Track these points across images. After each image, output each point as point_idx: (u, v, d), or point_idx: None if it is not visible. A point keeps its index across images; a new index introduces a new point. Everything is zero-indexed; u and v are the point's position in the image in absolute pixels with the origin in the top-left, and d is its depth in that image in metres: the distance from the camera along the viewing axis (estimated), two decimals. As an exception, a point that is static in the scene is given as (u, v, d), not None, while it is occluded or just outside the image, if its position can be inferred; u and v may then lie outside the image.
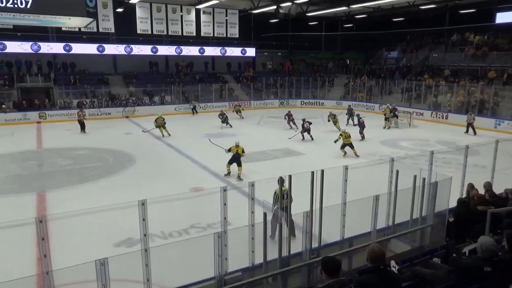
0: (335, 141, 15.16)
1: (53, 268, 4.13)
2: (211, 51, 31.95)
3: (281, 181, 6.81)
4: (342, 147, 14.71)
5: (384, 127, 20.98)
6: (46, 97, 25.35)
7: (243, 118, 24.05)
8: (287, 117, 20.82)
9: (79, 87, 26.65)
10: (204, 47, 31.39)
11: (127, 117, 24.96)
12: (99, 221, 8.54)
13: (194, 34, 29.00)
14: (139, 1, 25.75)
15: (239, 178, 11.82)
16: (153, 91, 28.12)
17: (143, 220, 4.44)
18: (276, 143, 17.05)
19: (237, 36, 30.84)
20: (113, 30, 26.47)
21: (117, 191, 10.88)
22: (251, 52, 33.80)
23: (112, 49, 28.18)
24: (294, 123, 20.30)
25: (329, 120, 20.28)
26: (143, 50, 29.06)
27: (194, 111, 27.11)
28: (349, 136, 14.73)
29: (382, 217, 6.41)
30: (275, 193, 7.44)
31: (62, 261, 4.51)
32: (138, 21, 26.85)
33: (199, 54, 31.27)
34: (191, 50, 30.92)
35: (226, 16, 30.01)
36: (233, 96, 30.72)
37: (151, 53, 29.48)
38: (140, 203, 4.40)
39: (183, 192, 10.04)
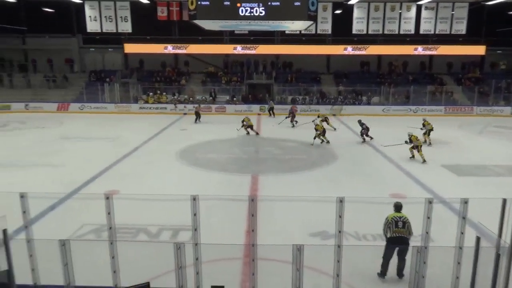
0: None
1: (258, 242, 4.66)
2: (430, 49, 29.32)
3: (397, 207, 6.17)
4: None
5: None
6: (267, 92, 28.80)
7: (335, 129, 19.55)
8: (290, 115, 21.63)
9: (294, 85, 29.13)
10: (422, 46, 29.09)
11: (334, 115, 25.72)
12: (299, 209, 9.17)
13: (412, 32, 27.25)
14: (357, 2, 25.97)
15: None
16: (361, 91, 28.05)
17: (339, 217, 4.50)
18: (502, 158, 14.35)
19: (463, 32, 27.25)
20: (330, 31, 27.66)
21: (318, 184, 11.41)
22: (479, 50, 29.31)
23: (327, 49, 29.56)
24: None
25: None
26: (356, 50, 29.25)
27: (271, 113, 25.01)
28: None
29: None
30: (386, 219, 6.13)
31: (264, 237, 5.05)
32: (354, 21, 27.17)
33: (415, 52, 29.23)
34: (406, 49, 29.24)
35: (453, 11, 26.91)
36: (451, 100, 27.44)
37: (363, 53, 29.41)
38: (338, 200, 4.47)
39: (382, 196, 9.67)
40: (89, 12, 26.51)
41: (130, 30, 27.11)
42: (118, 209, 5.03)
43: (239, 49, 29.31)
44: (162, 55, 30.14)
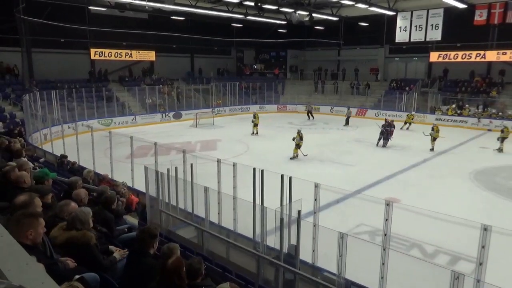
0: None
1: None
2: None
3: None
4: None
5: None
6: None
7: None
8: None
9: None
10: None
11: None
12: None
13: None
14: None
15: None
16: None
17: None
18: None
19: None
20: None
21: None
22: None
23: None
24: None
25: None
26: None
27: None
28: None
29: None
30: None
31: None
32: None
33: None
34: None
35: None
36: None
37: None
38: None
39: None
40: (400, 23, 27.07)
41: (439, 38, 25.84)
42: (396, 217, 4.97)
43: None
44: (472, 63, 27.17)
